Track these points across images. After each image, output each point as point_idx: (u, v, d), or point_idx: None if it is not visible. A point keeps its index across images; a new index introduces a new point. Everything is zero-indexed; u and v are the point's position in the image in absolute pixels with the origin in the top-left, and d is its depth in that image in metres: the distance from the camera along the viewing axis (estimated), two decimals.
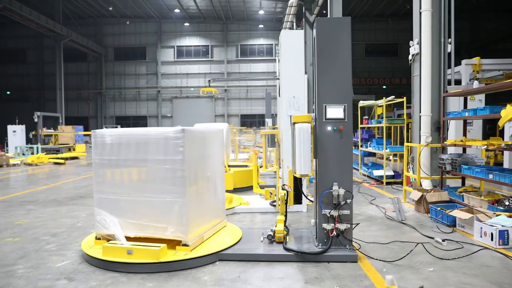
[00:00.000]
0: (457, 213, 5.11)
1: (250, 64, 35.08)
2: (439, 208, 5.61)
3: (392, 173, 9.48)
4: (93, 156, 4.41)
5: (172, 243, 4.10)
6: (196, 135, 4.35)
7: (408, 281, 3.50)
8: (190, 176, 4.12)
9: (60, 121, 25.45)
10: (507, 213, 4.94)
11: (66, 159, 17.46)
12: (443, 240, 4.59)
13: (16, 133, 21.82)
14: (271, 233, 4.36)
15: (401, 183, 8.85)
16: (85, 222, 5.87)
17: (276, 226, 4.43)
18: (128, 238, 4.29)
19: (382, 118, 9.83)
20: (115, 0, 30.35)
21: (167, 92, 35.48)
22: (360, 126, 11.77)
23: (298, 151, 4.07)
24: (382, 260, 3.98)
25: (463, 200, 6.02)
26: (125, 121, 35.39)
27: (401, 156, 13.51)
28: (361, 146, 11.52)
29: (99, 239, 4.31)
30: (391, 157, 14.61)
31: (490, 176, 5.38)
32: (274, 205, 6.52)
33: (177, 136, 4.01)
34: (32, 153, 18.10)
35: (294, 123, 4.19)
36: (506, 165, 9.93)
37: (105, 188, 4.32)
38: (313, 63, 9.60)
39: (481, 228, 4.59)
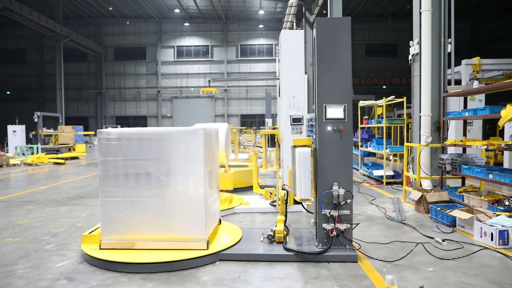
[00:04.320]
0: (457, 213, 5.11)
1: (250, 64, 35.10)
2: (439, 208, 5.61)
3: (392, 173, 9.48)
4: (99, 157, 4.22)
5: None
6: (208, 134, 4.40)
7: (408, 281, 3.50)
8: (206, 175, 4.17)
9: (60, 121, 25.46)
10: (507, 213, 4.94)
11: (66, 159, 17.46)
12: (443, 240, 4.59)
13: (16, 133, 21.83)
14: (271, 233, 4.36)
15: (401, 183, 8.85)
16: (85, 222, 5.87)
17: (276, 226, 4.43)
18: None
19: (382, 118, 9.83)
20: (115, 0, 30.36)
21: (167, 92, 35.49)
22: (360, 126, 11.77)
23: (298, 175, 4.08)
24: (382, 260, 3.98)
25: (463, 200, 6.02)
26: (125, 121, 35.42)
27: (401, 156, 13.51)
28: (361, 146, 11.52)
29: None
30: (391, 157, 14.60)
31: (490, 176, 5.38)
32: (274, 205, 6.52)
33: (198, 135, 4.05)
34: (32, 153, 18.09)
35: (295, 146, 4.19)
36: (506, 165, 9.93)
37: (118, 190, 4.16)
38: (313, 63, 9.60)
39: (481, 228, 4.60)
